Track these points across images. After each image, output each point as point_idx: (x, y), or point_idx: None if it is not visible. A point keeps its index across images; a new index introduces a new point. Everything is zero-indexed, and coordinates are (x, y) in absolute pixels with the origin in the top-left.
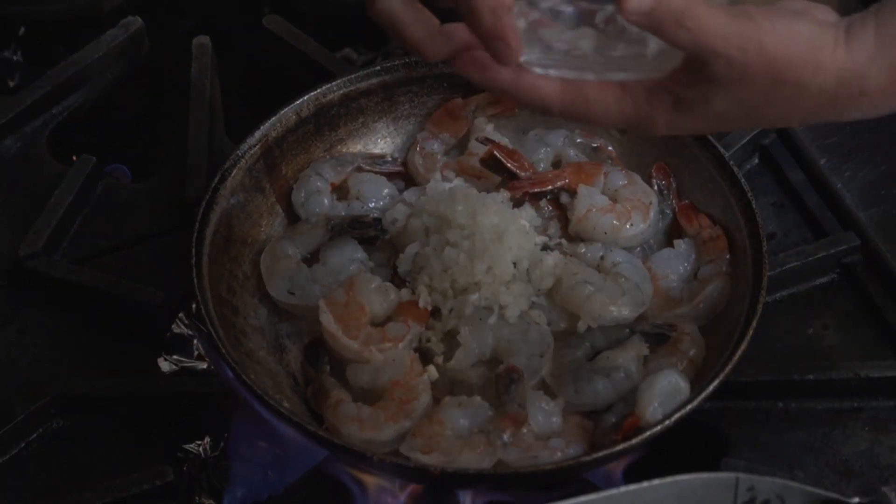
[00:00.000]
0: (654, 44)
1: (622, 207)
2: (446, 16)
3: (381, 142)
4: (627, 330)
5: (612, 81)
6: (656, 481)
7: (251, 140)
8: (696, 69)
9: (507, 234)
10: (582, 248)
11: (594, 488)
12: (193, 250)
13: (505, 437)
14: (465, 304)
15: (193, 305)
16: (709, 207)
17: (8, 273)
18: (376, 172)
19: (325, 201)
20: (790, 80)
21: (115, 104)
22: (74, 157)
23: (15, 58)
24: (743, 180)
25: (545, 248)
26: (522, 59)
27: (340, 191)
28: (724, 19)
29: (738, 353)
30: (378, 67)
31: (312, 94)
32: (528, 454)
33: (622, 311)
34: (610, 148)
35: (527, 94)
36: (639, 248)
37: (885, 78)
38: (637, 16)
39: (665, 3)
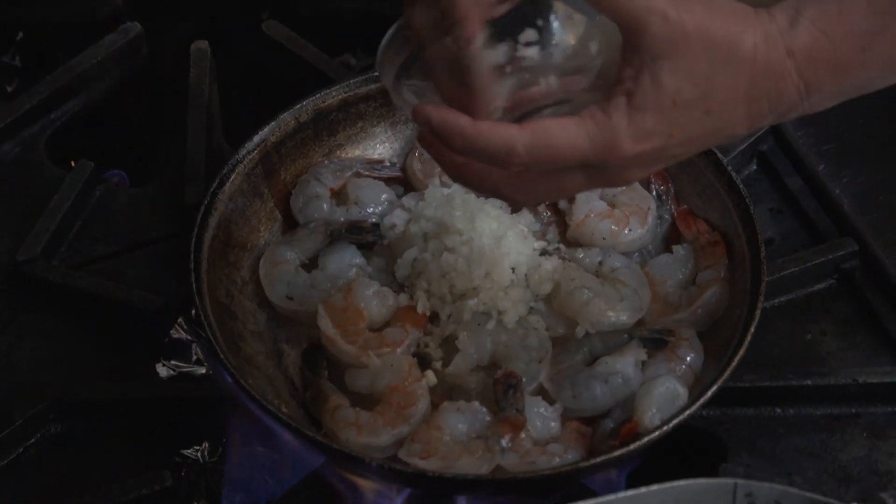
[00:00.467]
0: (594, 46)
1: (620, 213)
2: None
3: (380, 147)
4: (626, 335)
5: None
6: (654, 487)
7: (250, 145)
8: (635, 45)
9: (506, 239)
10: (580, 254)
11: (592, 494)
12: (192, 255)
13: (503, 442)
14: (464, 310)
15: (192, 310)
16: (707, 213)
17: (6, 278)
18: (375, 178)
19: (324, 206)
20: (722, 37)
21: (113, 109)
22: (73, 162)
23: (13, 63)
24: (741, 186)
25: (544, 252)
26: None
27: (339, 196)
28: None
29: (737, 358)
30: (377, 73)
31: (311, 99)
32: (526, 460)
33: (620, 316)
34: None
35: (490, 138)
36: (637, 254)
37: (807, 36)
38: None
39: None
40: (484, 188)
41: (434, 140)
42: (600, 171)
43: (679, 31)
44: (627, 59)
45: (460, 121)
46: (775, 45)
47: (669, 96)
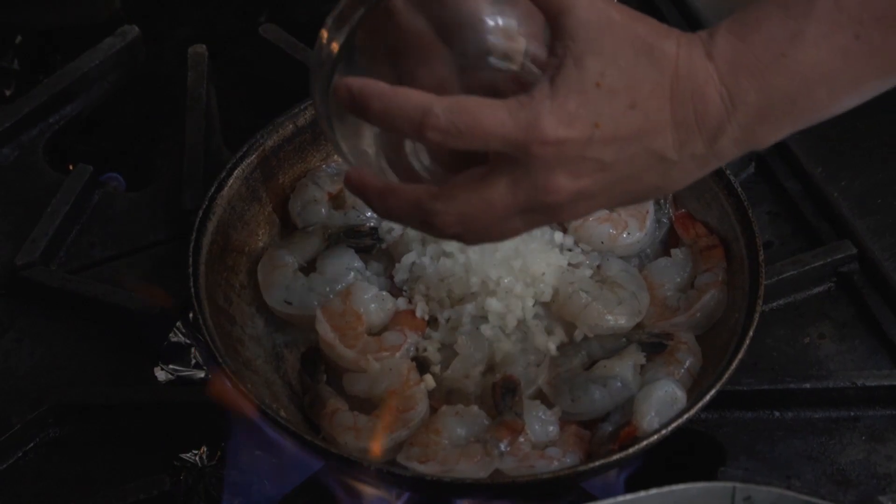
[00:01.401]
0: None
1: (619, 216)
2: None
3: None
4: (624, 339)
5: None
6: (653, 491)
7: (248, 149)
8: (559, 28)
9: (504, 245)
10: (579, 258)
11: (591, 498)
12: (190, 260)
13: (502, 446)
14: (462, 314)
15: (191, 314)
16: (706, 216)
17: (5, 282)
18: None
19: (322, 210)
20: (645, 35)
21: (112, 113)
22: (71, 166)
23: (12, 67)
24: (740, 189)
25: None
26: None
27: (337, 200)
28: None
29: (735, 362)
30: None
31: (309, 102)
32: (524, 463)
33: (619, 320)
34: None
35: (408, 97)
36: (636, 257)
37: (725, 43)
38: None
39: None
40: (409, 215)
41: (356, 175)
42: (523, 169)
43: (605, 18)
44: (551, 45)
45: (379, 85)
46: (696, 49)
47: (593, 78)
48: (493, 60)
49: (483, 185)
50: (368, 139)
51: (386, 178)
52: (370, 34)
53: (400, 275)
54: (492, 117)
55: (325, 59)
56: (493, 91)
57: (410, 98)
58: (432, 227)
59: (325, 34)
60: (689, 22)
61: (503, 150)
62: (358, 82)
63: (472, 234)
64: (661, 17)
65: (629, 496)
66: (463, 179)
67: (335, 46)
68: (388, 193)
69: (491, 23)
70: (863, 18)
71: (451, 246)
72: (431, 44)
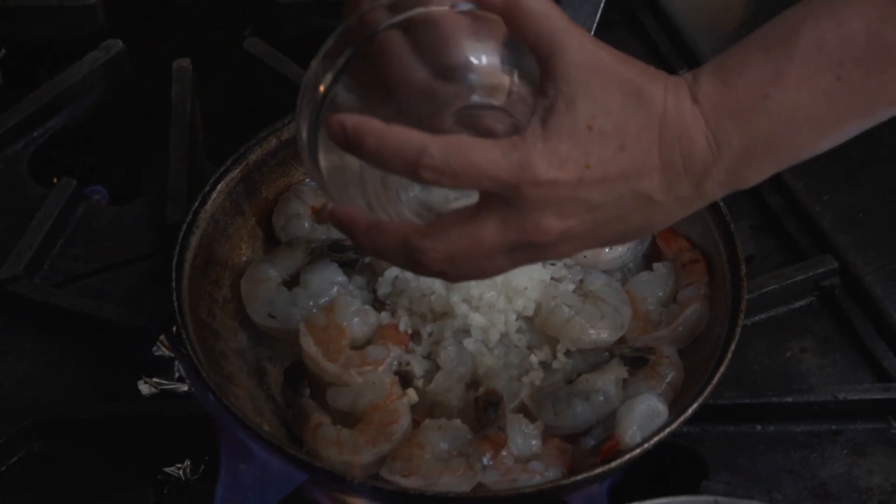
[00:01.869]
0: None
1: None
2: None
3: None
4: (606, 353)
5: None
6: None
7: (231, 163)
8: (550, 70)
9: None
10: (562, 272)
11: None
12: (174, 273)
13: (485, 460)
14: (445, 328)
15: (174, 328)
16: (688, 231)
17: None
18: None
19: (306, 224)
20: (632, 79)
21: (96, 127)
22: (55, 180)
23: None
24: (722, 204)
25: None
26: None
27: (320, 214)
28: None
29: (717, 376)
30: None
31: (293, 117)
32: (507, 477)
33: (601, 334)
34: None
35: (403, 136)
36: (618, 272)
37: (709, 87)
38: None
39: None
40: (395, 252)
41: (342, 211)
42: (515, 209)
43: (595, 61)
44: (542, 86)
45: (374, 122)
46: (682, 93)
47: (584, 121)
48: (475, 98)
49: (472, 224)
50: (352, 176)
51: (371, 214)
52: (360, 69)
53: (383, 289)
54: (485, 158)
55: (314, 93)
56: (482, 129)
57: (406, 137)
58: (418, 265)
59: (314, 67)
60: (676, 45)
61: (495, 190)
62: (353, 119)
63: (458, 271)
64: (645, 34)
65: None
66: (451, 217)
67: (327, 79)
68: (374, 229)
69: (475, 61)
70: (843, 60)
71: None
72: (422, 80)
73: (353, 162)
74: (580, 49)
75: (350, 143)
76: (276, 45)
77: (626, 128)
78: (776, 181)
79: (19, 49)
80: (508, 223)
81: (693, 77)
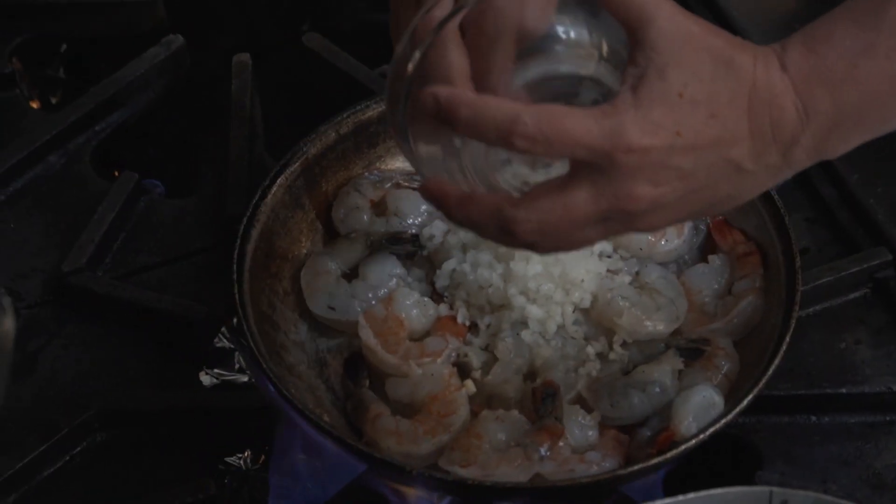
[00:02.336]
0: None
1: None
2: None
3: None
4: (662, 345)
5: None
6: (691, 495)
7: (291, 157)
8: (640, 40)
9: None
10: (618, 264)
11: (630, 502)
12: (235, 266)
13: (542, 450)
14: (503, 320)
15: (235, 320)
16: (742, 223)
17: (52, 289)
18: (414, 189)
19: (365, 217)
20: (722, 47)
21: (156, 121)
22: (116, 174)
23: (57, 75)
24: (776, 196)
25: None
26: None
27: (379, 207)
28: None
29: (772, 367)
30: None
31: (352, 111)
32: (564, 467)
33: (657, 325)
34: None
35: (496, 105)
36: (674, 264)
37: (798, 56)
38: None
39: None
40: (487, 222)
41: (434, 184)
42: (607, 177)
43: (685, 30)
44: (632, 56)
45: (466, 93)
46: (771, 62)
47: (676, 89)
48: (564, 69)
49: (564, 193)
50: (445, 156)
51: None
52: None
53: (441, 281)
54: (578, 126)
55: (403, 71)
56: (571, 99)
57: (499, 106)
58: (511, 235)
59: (401, 48)
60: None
61: (588, 158)
62: (445, 91)
63: (548, 242)
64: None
65: (668, 500)
66: (543, 187)
67: (415, 57)
68: (467, 202)
69: (563, 34)
70: None
71: (488, 256)
72: (509, 53)
73: (445, 140)
74: (670, 19)
75: (443, 115)
76: (334, 39)
77: (716, 96)
78: (830, 172)
79: (80, 44)
80: (600, 191)
81: (781, 46)
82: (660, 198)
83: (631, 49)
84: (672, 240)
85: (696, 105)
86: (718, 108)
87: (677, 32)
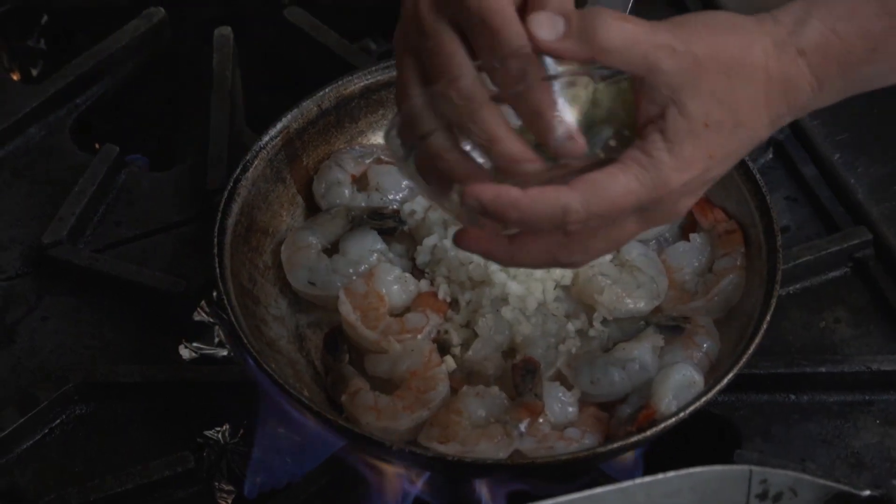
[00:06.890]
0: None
1: None
2: None
3: None
4: (643, 322)
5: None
6: (671, 473)
7: (272, 131)
8: (651, 85)
9: None
10: None
11: (609, 479)
12: (216, 240)
13: (521, 427)
14: (483, 296)
15: (215, 294)
16: (724, 201)
17: (32, 261)
18: (395, 164)
19: (346, 192)
20: (731, 55)
21: (137, 94)
22: (97, 146)
23: (38, 46)
24: (758, 175)
25: None
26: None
27: (360, 182)
28: (637, 25)
29: (753, 346)
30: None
31: (333, 86)
32: (543, 444)
33: (638, 303)
34: None
35: (544, 202)
36: (654, 242)
37: (818, 35)
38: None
39: (577, 28)
40: (540, 261)
41: (477, 236)
42: (653, 210)
43: (690, 60)
44: (648, 99)
45: (511, 193)
46: (785, 48)
47: (701, 121)
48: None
49: (615, 226)
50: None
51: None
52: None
53: (422, 257)
54: (624, 191)
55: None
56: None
57: (544, 200)
58: (564, 248)
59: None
60: None
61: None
62: (489, 193)
63: (589, 260)
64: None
65: (647, 478)
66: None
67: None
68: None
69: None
70: None
71: None
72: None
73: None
74: (673, 56)
75: (491, 216)
76: (316, 13)
77: (736, 105)
78: (811, 152)
79: (61, 16)
80: (647, 219)
81: (798, 22)
82: (695, 198)
83: (644, 90)
84: None
85: (721, 126)
86: (740, 116)
87: (684, 64)
